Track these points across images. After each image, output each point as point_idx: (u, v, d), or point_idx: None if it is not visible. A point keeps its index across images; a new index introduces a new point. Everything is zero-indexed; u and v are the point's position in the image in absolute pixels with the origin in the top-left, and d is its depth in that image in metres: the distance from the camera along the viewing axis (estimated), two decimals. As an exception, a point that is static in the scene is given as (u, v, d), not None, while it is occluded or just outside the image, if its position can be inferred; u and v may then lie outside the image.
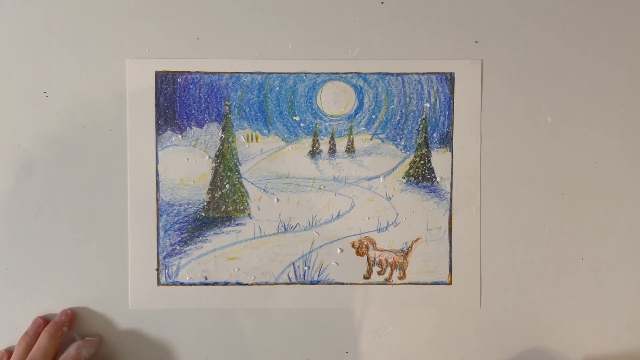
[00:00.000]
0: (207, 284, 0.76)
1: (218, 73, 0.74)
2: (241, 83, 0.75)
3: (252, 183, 0.76)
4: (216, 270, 0.76)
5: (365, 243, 0.76)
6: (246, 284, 0.76)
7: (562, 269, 0.76)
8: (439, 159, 0.76)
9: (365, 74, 0.75)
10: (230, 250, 0.76)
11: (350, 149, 0.76)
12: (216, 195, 0.75)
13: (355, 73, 0.75)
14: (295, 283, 0.76)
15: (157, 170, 0.75)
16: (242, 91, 0.75)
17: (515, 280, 0.76)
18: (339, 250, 0.76)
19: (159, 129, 0.75)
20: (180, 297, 0.75)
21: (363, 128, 0.76)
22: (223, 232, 0.76)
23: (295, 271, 0.76)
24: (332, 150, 0.76)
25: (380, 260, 0.76)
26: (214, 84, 0.75)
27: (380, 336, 0.77)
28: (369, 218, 0.76)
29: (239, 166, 0.76)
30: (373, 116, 0.75)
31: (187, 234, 0.75)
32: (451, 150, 0.75)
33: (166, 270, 0.75)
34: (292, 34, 0.74)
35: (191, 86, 0.74)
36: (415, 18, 0.74)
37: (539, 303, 0.76)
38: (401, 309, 0.76)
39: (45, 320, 0.73)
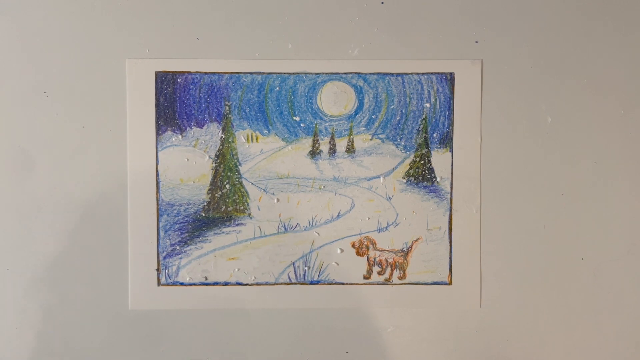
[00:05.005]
0: (207, 284, 0.76)
1: (218, 73, 0.74)
2: (241, 83, 0.75)
3: (252, 183, 0.76)
4: (216, 271, 0.76)
5: (365, 243, 0.76)
6: (246, 284, 0.76)
7: (562, 269, 0.76)
8: (439, 159, 0.76)
9: (365, 74, 0.75)
10: (230, 251, 0.76)
11: (350, 149, 0.76)
12: (216, 195, 0.75)
13: (355, 73, 0.75)
14: (296, 283, 0.76)
15: (157, 170, 0.75)
16: (242, 91, 0.75)
17: (515, 280, 0.76)
18: (339, 251, 0.76)
19: (159, 129, 0.75)
20: (180, 297, 0.75)
21: (363, 128, 0.75)
22: (223, 232, 0.76)
23: (295, 271, 0.76)
24: (332, 151, 0.76)
25: (380, 260, 0.76)
26: (214, 84, 0.75)
27: (380, 336, 0.77)
28: (369, 218, 0.76)
29: (239, 166, 0.75)
30: (373, 116, 0.75)
31: (187, 234, 0.75)
32: (451, 150, 0.75)
33: (166, 271, 0.75)
34: (292, 34, 0.74)
35: (191, 86, 0.74)
36: (415, 18, 0.74)
37: (539, 303, 0.76)
38: (401, 309, 0.76)
39: None
